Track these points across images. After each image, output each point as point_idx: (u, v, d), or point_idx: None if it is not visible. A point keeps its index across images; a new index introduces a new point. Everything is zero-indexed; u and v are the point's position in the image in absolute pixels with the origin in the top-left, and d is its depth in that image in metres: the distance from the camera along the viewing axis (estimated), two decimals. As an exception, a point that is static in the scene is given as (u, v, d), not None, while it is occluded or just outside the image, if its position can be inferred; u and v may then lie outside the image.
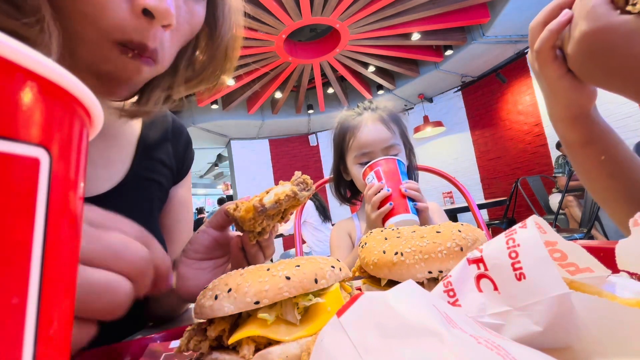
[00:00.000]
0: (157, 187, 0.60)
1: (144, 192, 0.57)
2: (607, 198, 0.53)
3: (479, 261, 0.23)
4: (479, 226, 1.05)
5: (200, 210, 8.04)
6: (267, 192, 0.41)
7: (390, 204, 0.72)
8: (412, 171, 0.99)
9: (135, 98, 0.46)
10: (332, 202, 0.77)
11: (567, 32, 0.42)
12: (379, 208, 0.73)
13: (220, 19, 0.46)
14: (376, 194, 0.74)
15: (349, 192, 1.04)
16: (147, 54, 0.36)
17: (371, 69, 5.17)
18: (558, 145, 4.08)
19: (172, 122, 0.66)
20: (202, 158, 8.27)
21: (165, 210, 0.65)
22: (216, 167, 9.29)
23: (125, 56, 0.35)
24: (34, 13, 0.29)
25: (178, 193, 0.67)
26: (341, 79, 5.60)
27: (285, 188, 0.41)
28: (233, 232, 0.48)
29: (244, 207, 0.41)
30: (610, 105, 3.83)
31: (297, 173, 0.44)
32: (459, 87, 5.83)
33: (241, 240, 0.46)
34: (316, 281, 0.28)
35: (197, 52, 0.49)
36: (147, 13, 0.33)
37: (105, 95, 0.40)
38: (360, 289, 0.41)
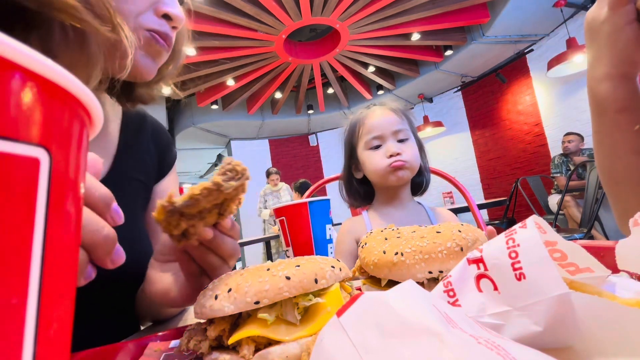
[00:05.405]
0: (140, 185, 0.62)
1: (127, 189, 0.59)
2: (623, 178, 0.52)
3: (479, 261, 0.23)
4: (479, 226, 1.06)
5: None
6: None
7: None
8: (424, 170, 0.97)
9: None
10: (333, 202, 0.76)
11: None
12: None
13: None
14: None
15: (362, 192, 0.97)
16: (168, 41, 0.51)
17: (371, 69, 5.17)
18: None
19: (152, 123, 0.70)
20: (202, 158, 8.24)
21: (150, 208, 0.66)
22: (216, 167, 9.30)
23: (154, 41, 0.49)
24: (112, 19, 0.38)
25: (161, 190, 0.68)
26: (341, 79, 5.60)
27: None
28: None
29: (158, 206, 0.32)
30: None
31: (226, 159, 0.34)
32: (459, 87, 5.83)
33: None
34: (316, 281, 0.28)
35: None
36: (166, 17, 0.49)
37: (145, 75, 0.52)
38: (360, 289, 0.41)
